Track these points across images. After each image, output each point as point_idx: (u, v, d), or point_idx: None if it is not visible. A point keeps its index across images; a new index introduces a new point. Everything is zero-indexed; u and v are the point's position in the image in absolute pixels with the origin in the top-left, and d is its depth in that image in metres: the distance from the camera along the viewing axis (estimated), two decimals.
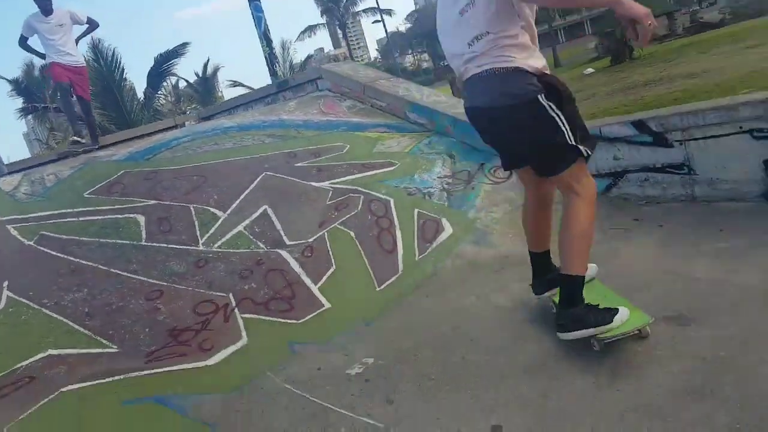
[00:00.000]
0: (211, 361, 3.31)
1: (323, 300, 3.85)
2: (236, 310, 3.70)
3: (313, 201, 4.82)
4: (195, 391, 3.11)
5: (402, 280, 4.07)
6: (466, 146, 5.65)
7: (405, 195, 4.98)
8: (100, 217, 4.54)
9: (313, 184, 5.05)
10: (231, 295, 3.82)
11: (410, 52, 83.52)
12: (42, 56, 7.68)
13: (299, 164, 5.33)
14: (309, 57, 48.31)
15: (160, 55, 27.08)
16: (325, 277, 4.04)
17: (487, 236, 4.55)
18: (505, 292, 3.67)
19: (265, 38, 13.02)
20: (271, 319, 3.68)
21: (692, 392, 2.21)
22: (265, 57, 13.11)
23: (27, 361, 3.24)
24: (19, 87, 31.48)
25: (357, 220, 4.62)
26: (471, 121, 2.98)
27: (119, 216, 4.56)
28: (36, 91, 31.34)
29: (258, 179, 5.08)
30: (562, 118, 2.59)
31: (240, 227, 4.50)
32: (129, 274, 3.97)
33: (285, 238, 4.39)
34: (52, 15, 7.37)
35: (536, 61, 2.64)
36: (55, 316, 3.59)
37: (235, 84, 37.59)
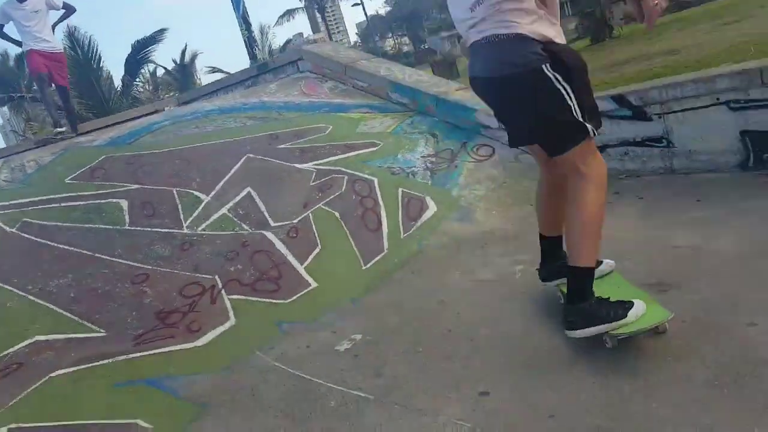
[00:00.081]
0: (199, 342, 3.32)
1: (310, 280, 3.87)
2: (223, 292, 3.72)
3: (297, 182, 4.83)
4: (185, 371, 3.12)
5: (388, 258, 4.10)
6: (449, 125, 5.67)
7: (389, 174, 5.00)
8: (82, 203, 4.51)
9: (297, 165, 5.05)
10: (217, 277, 3.83)
11: (390, 35, 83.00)
12: (18, 44, 7.55)
13: (282, 146, 5.33)
14: (288, 42, 47.81)
15: (138, 41, 26.65)
16: (311, 257, 4.05)
17: (470, 213, 4.59)
18: (488, 267, 3.72)
19: (244, 21, 12.91)
20: (258, 299, 3.70)
21: (672, 353, 2.28)
22: (245, 40, 13.01)
23: (14, 348, 3.24)
24: None
25: (341, 200, 4.64)
26: (474, 92, 2.73)
27: (102, 201, 4.54)
28: (11, 81, 30.74)
29: (240, 162, 5.06)
30: (569, 91, 2.31)
31: (224, 210, 4.50)
32: (114, 259, 3.97)
33: (269, 219, 4.40)
34: (27, 1, 7.23)
35: (545, 28, 2.34)
36: (40, 302, 3.58)
37: (214, 70, 37.22)
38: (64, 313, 3.51)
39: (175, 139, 5.59)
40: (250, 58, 13.97)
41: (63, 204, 4.53)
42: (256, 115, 6.08)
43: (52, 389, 2.99)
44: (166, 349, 3.26)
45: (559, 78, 2.31)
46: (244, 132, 5.67)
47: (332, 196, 4.65)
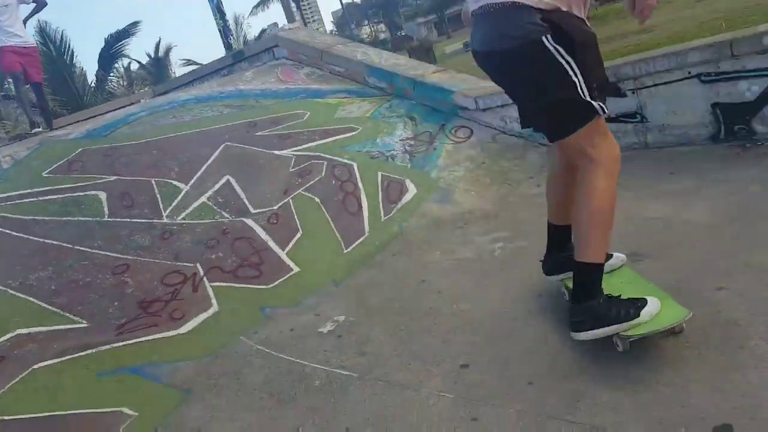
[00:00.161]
0: (182, 330, 3.33)
1: (292, 264, 3.88)
2: (205, 279, 3.72)
3: (276, 169, 4.82)
4: (168, 359, 3.13)
5: (369, 241, 4.13)
6: (427, 108, 5.69)
7: (368, 159, 5.02)
8: (60, 196, 4.48)
9: (275, 152, 5.04)
10: (198, 265, 3.83)
11: (366, 23, 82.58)
12: None
13: (260, 133, 5.31)
14: (263, 32, 47.37)
15: (111, 35, 26.31)
16: (292, 243, 4.07)
17: (450, 194, 4.62)
18: (468, 245, 3.76)
19: (218, 11, 12.79)
20: (240, 285, 3.71)
21: None
22: (219, 30, 12.89)
23: None
24: None
25: (321, 185, 4.65)
26: (479, 67, 2.41)
27: (80, 194, 4.51)
28: None
29: (219, 150, 5.05)
30: (574, 65, 2.05)
31: (203, 198, 4.49)
32: (94, 251, 3.95)
33: (249, 206, 4.40)
34: None
35: None
36: (20, 295, 3.56)
37: (189, 62, 36.71)
38: (46, 305, 3.49)
39: (152, 130, 5.56)
40: (225, 48, 13.85)
41: (41, 198, 4.49)
42: (233, 104, 6.05)
43: (36, 381, 2.99)
44: (149, 338, 3.26)
45: (561, 51, 2.05)
46: (221, 120, 5.64)
47: (312, 182, 4.65)
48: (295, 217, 4.30)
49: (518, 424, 1.99)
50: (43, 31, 21.54)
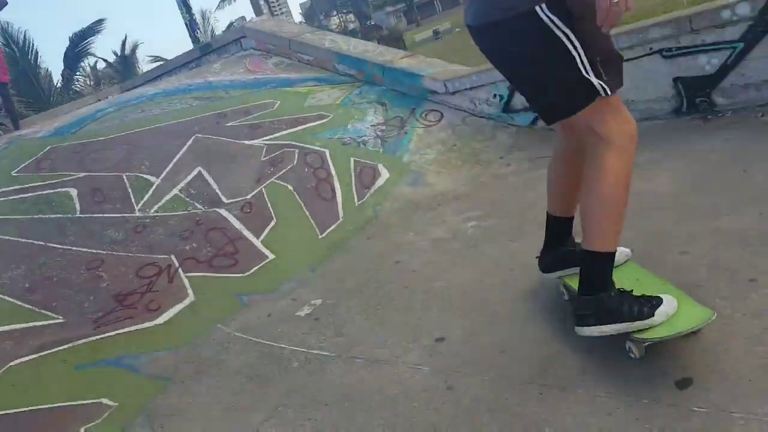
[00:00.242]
0: (159, 320, 3.33)
1: (267, 252, 3.90)
2: (180, 270, 3.72)
3: (248, 158, 4.82)
4: (146, 350, 3.13)
5: (343, 226, 4.16)
6: (397, 93, 5.72)
7: (340, 145, 5.04)
8: (31, 194, 4.43)
9: (246, 142, 5.03)
10: (173, 257, 3.83)
11: (335, 13, 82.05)
12: None
13: (230, 124, 5.30)
14: (230, 25, 46.88)
15: (75, 34, 25.89)
16: (266, 231, 4.08)
17: (422, 177, 4.67)
18: (442, 226, 3.81)
19: (184, 5, 12.65)
20: (216, 275, 3.71)
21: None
22: (186, 24, 12.76)
23: None
24: None
25: (294, 173, 4.66)
26: (475, 44, 2.15)
27: (51, 191, 4.47)
28: None
29: (189, 142, 5.02)
30: (573, 38, 1.83)
31: (175, 190, 4.47)
32: (67, 247, 3.92)
33: (222, 197, 4.40)
34: None
35: None
36: None
37: (157, 59, 36.23)
38: (20, 303, 3.47)
39: (120, 125, 5.51)
40: (193, 43, 13.72)
41: (11, 197, 4.44)
42: (202, 96, 6.02)
43: (13, 378, 2.97)
44: (126, 330, 3.26)
45: (558, 22, 1.82)
46: (190, 113, 5.61)
47: (284, 170, 4.66)
48: (269, 205, 4.30)
49: (491, 389, 2.05)
50: (5, 32, 21.13)
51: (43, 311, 3.43)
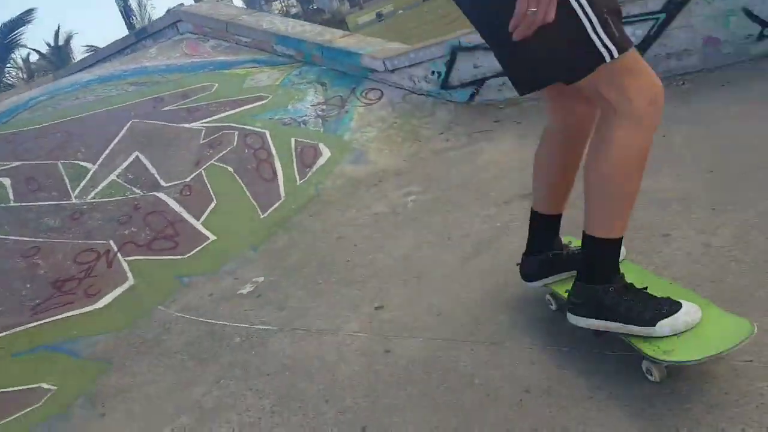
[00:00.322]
0: (99, 305, 3.29)
1: (208, 233, 3.88)
2: (119, 255, 3.67)
3: (187, 142, 4.76)
4: (86, 333, 3.10)
5: (285, 205, 4.16)
6: (337, 72, 5.72)
7: (280, 126, 5.02)
8: None
9: (185, 125, 4.96)
10: (111, 242, 3.77)
11: None
12: None
13: (167, 108, 5.21)
14: (168, 12, 45.64)
15: (4, 24, 24.85)
16: (207, 212, 4.05)
17: (363, 155, 4.70)
18: (383, 201, 3.86)
19: None
20: (156, 258, 3.68)
21: None
22: (120, 11, 12.42)
23: None
24: None
25: (234, 155, 4.62)
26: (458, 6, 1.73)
27: None
28: None
29: (126, 127, 4.93)
30: None
31: (112, 176, 4.39)
32: (1, 237, 3.81)
33: (161, 180, 4.34)
34: None
35: None
36: None
37: (92, 49, 35.05)
38: None
39: (54, 113, 5.35)
40: (128, 30, 13.35)
41: None
42: (138, 81, 5.89)
43: None
44: (65, 315, 3.22)
45: None
46: (127, 98, 5.49)
47: (224, 152, 4.63)
48: (209, 187, 4.27)
49: (426, 350, 2.11)
50: None
51: None
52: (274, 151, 4.66)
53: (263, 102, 5.29)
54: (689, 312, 1.57)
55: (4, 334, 3.08)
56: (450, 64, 5.04)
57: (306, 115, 5.17)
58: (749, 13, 3.71)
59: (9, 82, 26.81)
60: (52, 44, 34.72)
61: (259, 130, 4.89)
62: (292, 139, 4.83)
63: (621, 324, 1.61)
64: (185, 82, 5.70)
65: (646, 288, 1.66)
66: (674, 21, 3.83)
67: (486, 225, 2.98)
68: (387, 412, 1.87)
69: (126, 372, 2.69)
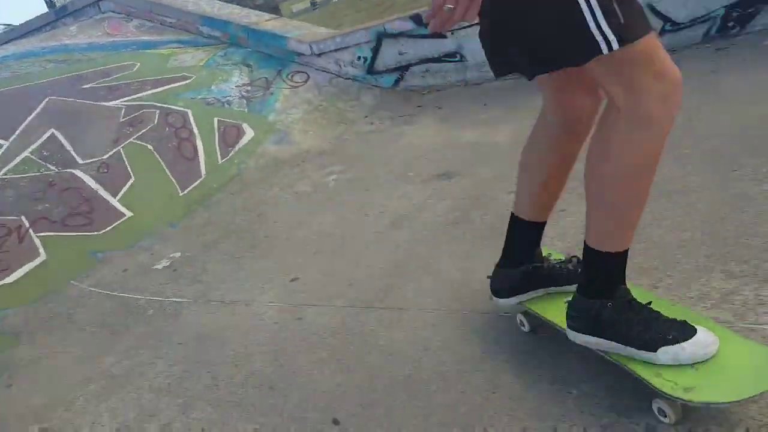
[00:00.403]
0: (9, 280, 3.22)
1: (124, 210, 3.83)
2: (30, 231, 3.58)
3: (106, 119, 4.66)
4: None
5: (206, 183, 4.15)
6: (263, 55, 5.70)
7: (203, 105, 4.97)
8: None
9: (104, 104, 4.85)
10: (23, 218, 3.67)
11: None
12: None
13: (87, 86, 5.07)
14: None
15: None
16: (124, 190, 4.00)
17: (287, 135, 4.73)
18: (305, 180, 3.91)
19: None
20: (69, 234, 3.61)
21: (450, 222, 2.64)
22: None
23: None
24: None
25: (154, 133, 4.56)
26: None
27: None
28: None
29: (42, 105, 4.77)
30: None
31: (26, 153, 4.26)
32: None
33: (77, 158, 4.24)
34: None
35: None
36: None
37: (8, 27, 33.31)
38: None
39: None
40: (48, 8, 12.75)
41: None
42: (57, 58, 5.70)
43: None
44: None
45: None
46: (44, 75, 5.31)
47: (144, 130, 4.55)
48: (127, 165, 4.21)
49: (336, 316, 2.19)
50: None
51: None
52: (195, 130, 4.63)
53: (187, 82, 5.23)
54: (701, 343, 1.35)
55: None
56: (375, 50, 5.12)
57: (230, 96, 5.14)
58: (652, 9, 3.96)
59: None
60: None
61: (181, 109, 4.83)
62: (215, 119, 4.80)
63: (617, 344, 1.43)
64: (106, 61, 5.55)
65: (649, 303, 1.45)
66: None
67: (403, 202, 3.08)
68: (295, 374, 1.94)
69: (35, 345, 2.65)
